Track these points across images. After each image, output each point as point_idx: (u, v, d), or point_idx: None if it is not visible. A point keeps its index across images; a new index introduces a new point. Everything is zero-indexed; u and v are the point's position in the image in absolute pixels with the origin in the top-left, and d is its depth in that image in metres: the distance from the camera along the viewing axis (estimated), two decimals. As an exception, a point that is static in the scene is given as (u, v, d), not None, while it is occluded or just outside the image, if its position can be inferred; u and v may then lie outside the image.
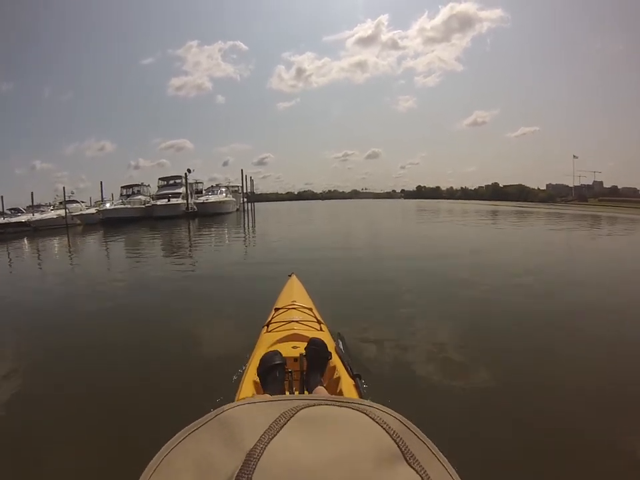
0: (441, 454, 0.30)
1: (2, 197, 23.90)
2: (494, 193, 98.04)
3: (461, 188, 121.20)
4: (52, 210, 23.96)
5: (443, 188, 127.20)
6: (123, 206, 23.63)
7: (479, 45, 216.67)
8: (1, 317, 4.54)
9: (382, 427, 0.29)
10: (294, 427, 0.28)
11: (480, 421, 2.03)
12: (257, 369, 1.47)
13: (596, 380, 2.46)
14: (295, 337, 1.81)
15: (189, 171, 26.50)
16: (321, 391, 1.30)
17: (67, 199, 24.57)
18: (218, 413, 0.32)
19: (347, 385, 1.50)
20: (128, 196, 26.41)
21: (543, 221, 19.12)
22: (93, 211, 23.86)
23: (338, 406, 0.31)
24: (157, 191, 27.47)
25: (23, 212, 24.04)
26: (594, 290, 4.82)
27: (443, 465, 0.29)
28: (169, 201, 24.24)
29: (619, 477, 1.67)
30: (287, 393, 1.44)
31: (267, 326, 2.02)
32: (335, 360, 1.61)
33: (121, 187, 28.05)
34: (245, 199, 34.48)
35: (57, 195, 25.44)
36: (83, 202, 27.20)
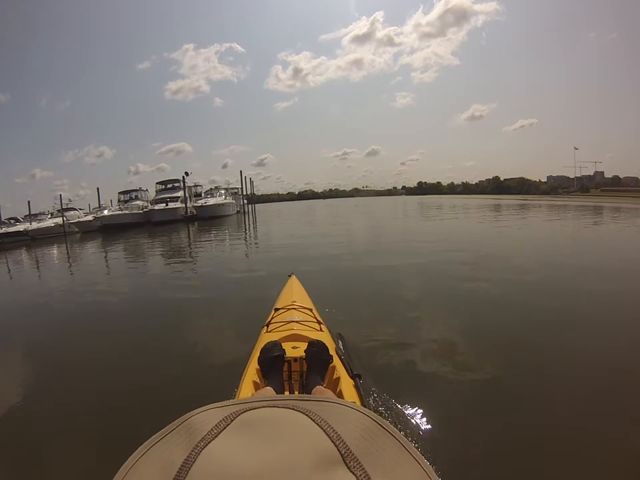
0: (417, 452, 0.29)
1: (-1, 206, 23.62)
2: (495, 186, 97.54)
3: (462, 183, 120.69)
4: (50, 218, 23.70)
5: (444, 183, 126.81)
6: (120, 212, 23.27)
7: (475, 38, 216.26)
8: (3, 325, 4.55)
9: (323, 429, 0.28)
10: (232, 432, 0.28)
11: (480, 420, 2.00)
12: (258, 358, 1.48)
13: (599, 379, 2.43)
14: (295, 337, 1.80)
15: (186, 174, 26.00)
16: (319, 390, 1.27)
17: (65, 206, 24.40)
18: (184, 419, 0.31)
19: (347, 385, 1.50)
20: (126, 202, 26.05)
21: (553, 214, 18.63)
22: (90, 218, 23.52)
23: (284, 407, 0.31)
24: (155, 196, 27.09)
25: (21, 221, 23.83)
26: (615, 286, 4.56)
27: (420, 465, 0.28)
28: (166, 205, 23.81)
29: (621, 475, 1.66)
30: (286, 383, 1.45)
31: (267, 326, 2.02)
32: (335, 360, 1.60)
33: (119, 193, 27.68)
34: (245, 201, 34.10)
35: (55, 203, 25.23)
36: (81, 209, 26.95)
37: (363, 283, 5.13)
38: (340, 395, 1.43)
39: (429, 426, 1.91)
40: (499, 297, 4.24)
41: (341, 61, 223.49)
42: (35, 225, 21.56)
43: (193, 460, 0.25)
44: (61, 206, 23.43)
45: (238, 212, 31.90)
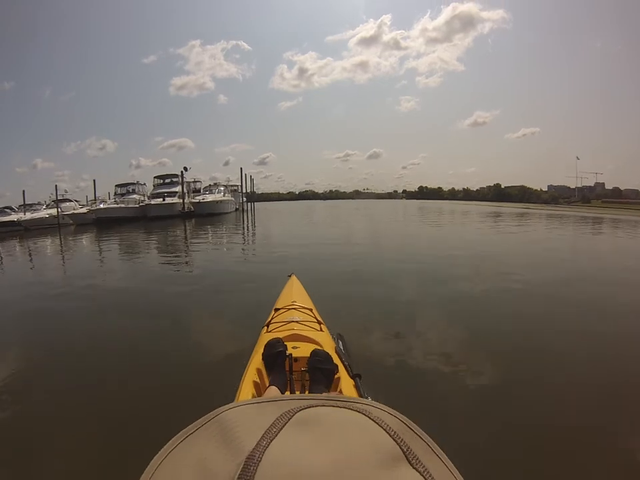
0: (444, 454, 0.30)
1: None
2: (496, 194, 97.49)
3: (463, 189, 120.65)
4: (45, 209, 23.20)
5: (445, 188, 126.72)
6: (116, 205, 22.70)
7: (481, 45, 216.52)
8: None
9: (382, 427, 0.28)
10: (293, 429, 0.28)
11: (480, 420, 2.01)
12: (262, 353, 1.51)
13: (598, 379, 2.45)
14: (295, 337, 1.80)
15: (185, 169, 25.42)
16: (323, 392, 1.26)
17: (61, 197, 23.88)
18: (215, 414, 0.31)
19: (347, 384, 1.50)
20: (122, 195, 25.48)
21: (562, 224, 18.36)
22: (84, 210, 23.01)
23: (337, 407, 0.31)
24: (153, 190, 26.51)
25: (16, 210, 23.34)
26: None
27: (446, 465, 0.29)
28: (163, 200, 23.27)
29: (620, 476, 1.65)
30: (289, 382, 1.43)
31: (267, 326, 2.01)
32: (335, 360, 1.58)
33: (115, 186, 27.03)
34: (245, 199, 33.59)
35: (52, 194, 24.74)
36: (77, 201, 26.36)
37: (363, 284, 5.06)
38: (340, 394, 1.40)
39: (428, 426, 1.60)
40: (500, 301, 4.24)
41: (347, 63, 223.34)
42: (28, 216, 21.11)
43: (260, 456, 0.25)
44: (56, 197, 22.90)
45: (237, 210, 31.32)
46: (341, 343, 1.88)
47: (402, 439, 0.27)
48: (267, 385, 1.39)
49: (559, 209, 40.04)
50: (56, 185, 22.96)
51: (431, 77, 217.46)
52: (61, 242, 13.66)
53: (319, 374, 1.44)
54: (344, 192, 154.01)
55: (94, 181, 26.64)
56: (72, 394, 2.42)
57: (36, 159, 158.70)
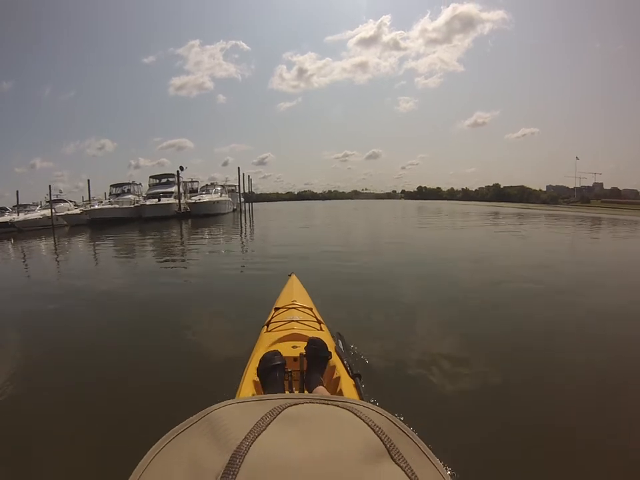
0: (430, 452, 0.30)
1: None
2: (495, 194, 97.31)
3: (462, 189, 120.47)
4: (39, 209, 22.76)
5: (444, 189, 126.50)
6: (110, 206, 22.22)
7: (481, 46, 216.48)
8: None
9: (367, 424, 0.29)
10: (279, 425, 0.28)
11: (480, 420, 2.00)
12: (257, 368, 1.45)
13: (596, 381, 2.45)
14: (295, 337, 1.80)
15: (181, 168, 24.91)
16: (320, 390, 1.28)
17: (55, 197, 23.45)
18: (206, 413, 0.31)
19: (347, 384, 1.50)
20: (117, 195, 25.02)
21: (564, 224, 17.98)
22: (77, 211, 22.57)
23: (324, 404, 0.31)
24: (148, 190, 26.05)
25: (9, 211, 22.90)
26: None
27: (432, 463, 0.29)
28: (159, 200, 22.79)
29: (620, 476, 1.65)
30: (287, 392, 1.39)
31: (267, 325, 2.01)
32: (335, 360, 1.60)
33: (110, 186, 26.48)
34: (243, 199, 33.14)
35: (47, 194, 24.29)
36: (72, 201, 25.88)
37: (363, 284, 5.03)
38: (340, 394, 1.42)
39: (428, 426, 1.85)
40: (500, 301, 4.21)
41: (346, 63, 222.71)
42: (21, 217, 20.65)
43: (244, 454, 0.25)
44: (50, 197, 22.40)
45: (234, 210, 30.83)
46: (340, 342, 1.88)
47: (386, 436, 0.28)
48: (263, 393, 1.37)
49: (560, 209, 39.76)
50: (50, 186, 22.46)
51: (431, 77, 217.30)
52: (55, 244, 13.32)
53: (314, 361, 1.45)
54: (343, 192, 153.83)
55: (88, 180, 26.12)
56: (72, 394, 2.41)
57: (35, 159, 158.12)
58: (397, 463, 0.26)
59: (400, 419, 0.29)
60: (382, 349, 2.92)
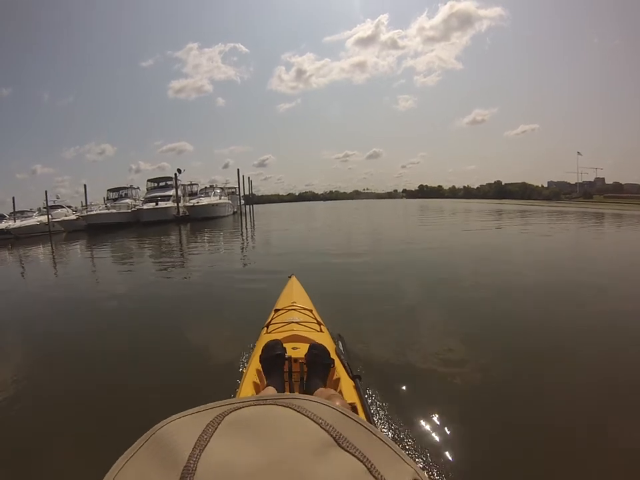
0: (384, 435, 0.30)
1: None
2: (497, 191, 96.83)
3: (464, 187, 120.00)
4: (37, 215, 22.32)
5: (445, 187, 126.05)
6: (107, 211, 21.77)
7: (479, 43, 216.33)
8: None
9: (310, 418, 0.29)
10: (223, 434, 0.28)
11: (480, 421, 1.99)
12: (260, 356, 1.48)
13: (597, 381, 2.42)
14: (295, 338, 1.77)
15: (179, 170, 24.37)
16: (322, 392, 1.27)
17: (53, 203, 23.04)
18: (152, 432, 0.30)
19: (347, 386, 1.50)
20: (115, 200, 24.57)
21: (573, 222, 17.35)
22: (73, 217, 22.14)
23: (263, 405, 0.31)
24: (146, 194, 25.55)
25: (6, 218, 22.48)
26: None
27: (388, 446, 0.29)
28: (156, 204, 22.33)
29: (618, 476, 1.65)
30: (287, 383, 1.45)
31: (267, 327, 2.00)
32: (335, 361, 1.56)
33: (108, 190, 26.00)
34: (243, 201, 32.62)
35: (52, 200, 23.85)
36: (69, 207, 25.41)
37: (363, 285, 4.99)
38: (340, 394, 1.38)
39: (428, 426, 1.89)
40: (500, 303, 4.16)
41: (345, 63, 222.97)
42: (17, 223, 20.20)
43: (194, 467, 0.24)
44: (46, 203, 21.95)
45: (234, 213, 30.31)
46: (341, 344, 1.90)
47: (331, 426, 0.28)
48: (265, 386, 1.37)
49: (566, 206, 39.17)
50: (46, 191, 22.06)
51: (429, 75, 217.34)
52: (52, 251, 12.98)
53: (315, 367, 1.43)
54: (344, 192, 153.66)
55: (84, 185, 25.64)
56: (72, 397, 2.40)
57: (35, 165, 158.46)
58: (346, 450, 0.26)
59: (384, 417, 0.29)
60: (382, 350, 2.89)
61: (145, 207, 22.32)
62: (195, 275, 6.58)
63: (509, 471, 1.66)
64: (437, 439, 1.82)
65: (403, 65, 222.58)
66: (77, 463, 1.80)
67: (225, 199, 27.86)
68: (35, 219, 21.20)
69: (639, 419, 2.01)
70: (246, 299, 4.44)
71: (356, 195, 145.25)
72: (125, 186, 26.31)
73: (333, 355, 1.57)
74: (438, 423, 1.94)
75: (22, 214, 23.24)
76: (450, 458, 1.68)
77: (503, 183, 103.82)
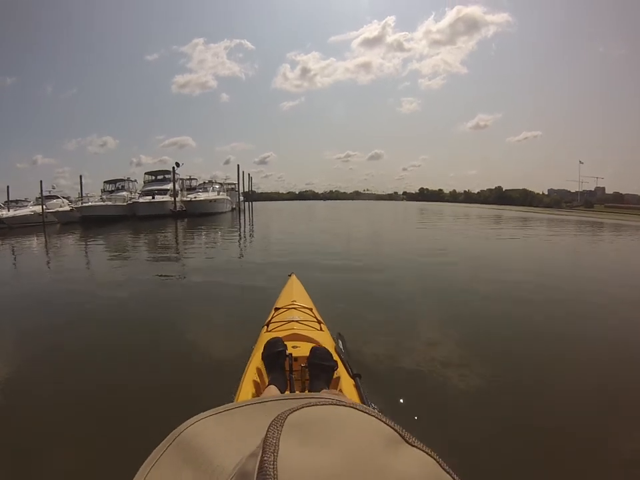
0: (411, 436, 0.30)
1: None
2: (498, 196, 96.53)
3: (464, 191, 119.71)
4: (31, 205, 21.84)
5: (446, 190, 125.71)
6: (102, 203, 21.23)
7: (484, 48, 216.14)
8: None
9: (374, 416, 0.29)
10: (290, 436, 0.26)
11: (480, 421, 2.01)
12: (262, 353, 1.50)
13: (597, 383, 2.43)
14: (295, 337, 1.78)
15: (177, 164, 23.93)
16: (325, 393, 1.22)
17: (48, 194, 22.58)
18: (174, 436, 0.29)
19: (347, 384, 1.51)
20: (111, 192, 24.05)
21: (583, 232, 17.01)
22: (67, 208, 21.58)
23: (321, 405, 0.30)
24: (143, 187, 25.01)
25: (1, 206, 21.99)
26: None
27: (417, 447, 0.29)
28: (153, 198, 21.79)
29: (619, 476, 1.66)
30: (288, 381, 1.43)
31: (267, 325, 2.02)
32: (335, 359, 1.55)
33: (104, 182, 25.39)
34: (243, 198, 32.14)
35: (49, 190, 23.40)
36: (65, 197, 24.90)
37: (363, 285, 5.01)
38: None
39: (428, 426, 1.89)
40: (501, 304, 4.19)
41: (350, 64, 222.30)
42: (11, 213, 19.74)
43: (273, 475, 0.23)
44: (41, 193, 21.45)
45: (233, 209, 29.78)
46: (341, 342, 1.93)
47: (394, 423, 0.28)
48: (267, 384, 1.36)
49: (566, 214, 38.84)
50: (41, 181, 21.44)
51: (434, 79, 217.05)
52: (46, 242, 12.63)
53: (318, 371, 1.41)
54: (344, 192, 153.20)
55: (80, 176, 25.04)
56: (71, 394, 2.37)
57: (36, 155, 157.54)
58: (414, 446, 0.27)
59: (397, 418, 0.29)
60: (382, 349, 2.90)
61: (141, 200, 21.78)
62: (192, 273, 6.44)
63: (509, 472, 1.66)
64: (437, 439, 1.76)
65: (408, 67, 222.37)
66: (76, 463, 1.78)
67: (223, 195, 27.33)
68: (29, 209, 20.73)
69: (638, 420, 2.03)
70: (245, 297, 4.42)
71: (356, 196, 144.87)
72: (122, 178, 25.75)
73: (333, 354, 1.57)
74: (438, 422, 1.95)
75: (16, 203, 22.77)
76: (450, 458, 1.41)
77: (503, 189, 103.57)
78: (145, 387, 2.41)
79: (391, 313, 3.82)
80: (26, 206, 21.80)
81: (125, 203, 22.29)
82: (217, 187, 28.22)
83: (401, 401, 2.15)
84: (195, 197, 23.35)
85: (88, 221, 19.17)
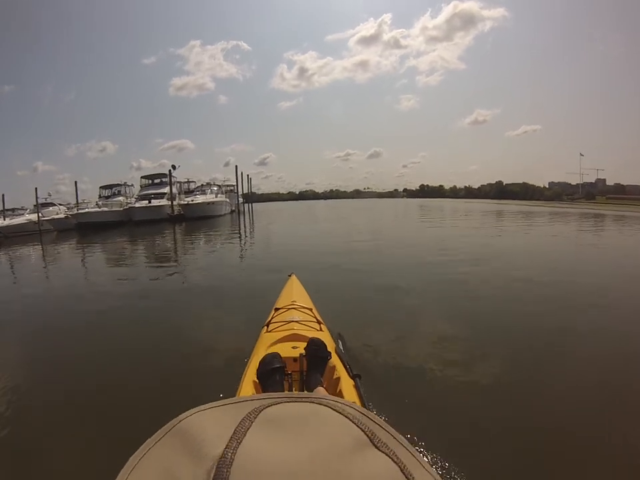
0: (405, 440, 0.30)
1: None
2: (498, 191, 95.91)
3: (465, 187, 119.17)
4: (28, 214, 21.50)
5: (446, 186, 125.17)
6: (98, 209, 20.89)
7: (482, 43, 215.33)
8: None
9: (346, 417, 0.29)
10: (260, 428, 0.28)
11: (480, 420, 1.99)
12: (257, 370, 1.45)
13: (598, 382, 2.40)
14: (295, 337, 1.80)
15: (173, 167, 23.37)
16: (320, 391, 1.29)
17: (44, 201, 22.28)
18: (177, 421, 0.30)
19: (347, 385, 1.50)
20: (107, 197, 23.68)
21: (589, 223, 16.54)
22: (62, 215, 21.26)
23: (300, 402, 0.31)
24: (140, 191, 24.60)
25: (-2, 215, 21.65)
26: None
27: (408, 450, 0.29)
28: (149, 202, 21.41)
29: (620, 476, 1.64)
30: (287, 382, 1.44)
31: (267, 326, 2.01)
32: (335, 360, 1.59)
33: (100, 187, 25.06)
34: (242, 200, 31.72)
35: (45, 197, 23.11)
36: (62, 204, 24.55)
37: (363, 284, 5.02)
38: (340, 394, 1.43)
39: (428, 426, 1.87)
40: (501, 303, 4.16)
41: (347, 62, 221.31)
42: (6, 222, 19.40)
43: (231, 460, 0.24)
44: (36, 201, 21.14)
45: (232, 211, 29.34)
46: (340, 342, 1.89)
47: (366, 426, 0.28)
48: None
49: (569, 207, 38.39)
50: (36, 189, 21.14)
51: (432, 75, 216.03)
52: (42, 251, 12.42)
53: (314, 361, 1.46)
54: (344, 191, 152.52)
55: (75, 182, 24.73)
56: (71, 395, 2.41)
57: (36, 162, 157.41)
58: (381, 450, 0.26)
59: (384, 417, 0.30)
60: (382, 350, 2.90)
61: (137, 205, 21.42)
62: (190, 277, 6.40)
63: (510, 472, 1.66)
64: (438, 439, 1.79)
65: (405, 64, 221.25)
66: (76, 463, 1.79)
67: (221, 197, 26.88)
68: (25, 217, 20.39)
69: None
70: (245, 297, 4.46)
71: (357, 194, 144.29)
72: (119, 183, 25.36)
73: (333, 353, 1.59)
74: (438, 422, 1.94)
75: (13, 212, 22.44)
76: (450, 458, 1.65)
77: (504, 183, 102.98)
78: (146, 387, 2.45)
79: (391, 312, 3.81)
80: (22, 214, 21.45)
81: (122, 208, 21.95)
82: (215, 189, 27.76)
83: (401, 401, 2.13)
84: (193, 200, 22.97)
85: (84, 228, 18.85)
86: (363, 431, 0.27)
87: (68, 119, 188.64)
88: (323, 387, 1.35)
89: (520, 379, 2.46)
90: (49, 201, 23.48)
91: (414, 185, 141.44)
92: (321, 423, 0.28)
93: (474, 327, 3.36)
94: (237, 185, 28.74)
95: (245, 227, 18.42)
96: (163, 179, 24.65)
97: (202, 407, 0.31)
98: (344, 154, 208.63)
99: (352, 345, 2.41)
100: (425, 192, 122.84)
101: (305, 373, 1.47)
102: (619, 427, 1.93)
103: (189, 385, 2.39)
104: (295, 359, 1.55)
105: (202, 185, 28.98)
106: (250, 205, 32.99)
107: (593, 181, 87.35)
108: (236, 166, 27.75)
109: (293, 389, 1.45)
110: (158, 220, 20.41)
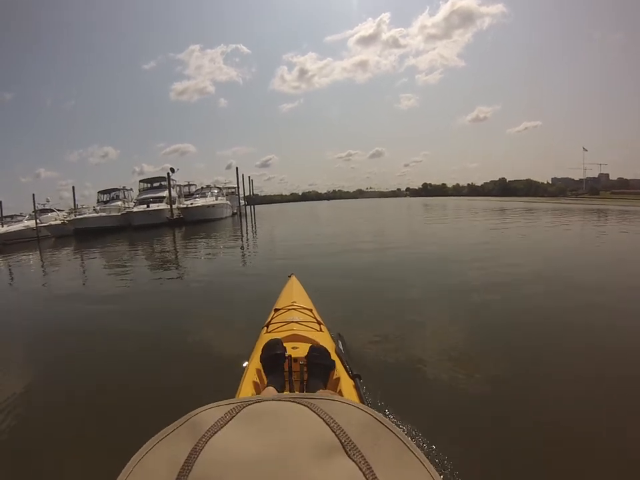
0: (417, 449, 0.29)
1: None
2: (502, 188, 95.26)
3: (468, 184, 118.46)
4: (26, 220, 21.17)
5: (449, 185, 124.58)
6: (96, 215, 20.47)
7: (481, 40, 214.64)
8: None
9: (322, 419, 0.29)
10: (238, 422, 0.29)
11: (480, 421, 1.99)
12: (260, 355, 1.50)
13: (599, 385, 2.35)
14: (295, 338, 1.78)
15: (172, 170, 22.88)
16: (322, 392, 1.22)
17: (43, 207, 22.07)
18: (189, 417, 0.32)
19: (347, 385, 1.51)
20: (106, 202, 23.28)
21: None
22: (58, 222, 20.86)
23: (285, 401, 0.32)
24: (138, 195, 24.14)
25: (-2, 222, 21.36)
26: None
27: (418, 458, 0.28)
28: (148, 206, 20.94)
29: (619, 476, 1.63)
30: (287, 382, 1.44)
31: (267, 326, 2.02)
32: (335, 361, 1.56)
33: (98, 192, 24.54)
34: (244, 202, 31.14)
35: (44, 203, 22.85)
36: (60, 210, 24.20)
37: (363, 284, 5.03)
38: (340, 395, 1.39)
39: (428, 426, 1.85)
40: (502, 303, 4.05)
41: (347, 63, 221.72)
42: (4, 229, 19.09)
43: (200, 450, 0.26)
44: (34, 207, 20.84)
45: (234, 214, 28.80)
46: (340, 343, 1.89)
47: (343, 430, 0.28)
48: (266, 385, 1.36)
49: (574, 202, 37.68)
50: (33, 195, 20.85)
51: (431, 73, 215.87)
52: (41, 257, 12.38)
53: (316, 369, 1.42)
54: (347, 191, 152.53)
55: (73, 187, 24.36)
56: (71, 395, 2.46)
57: (39, 168, 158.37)
58: (350, 457, 0.26)
59: (397, 419, 0.30)
60: (383, 350, 2.90)
61: (135, 209, 20.95)
62: (188, 279, 6.43)
63: (509, 473, 1.64)
64: (438, 439, 1.74)
65: (404, 63, 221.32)
66: (77, 463, 1.81)
67: (222, 200, 26.28)
68: (23, 224, 20.12)
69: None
70: (245, 298, 4.50)
71: (359, 194, 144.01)
72: (117, 187, 24.90)
73: (333, 355, 1.57)
74: (438, 422, 1.92)
75: (12, 218, 22.18)
76: (451, 458, 1.63)
77: (507, 180, 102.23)
78: (146, 387, 2.48)
79: (391, 312, 3.78)
80: (20, 221, 21.18)
81: (120, 213, 21.56)
82: (216, 191, 27.14)
83: (401, 400, 2.13)
84: (192, 204, 22.43)
85: (82, 234, 18.47)
86: (336, 435, 0.27)
87: (70, 125, 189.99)
88: (324, 389, 1.35)
89: (523, 381, 2.43)
90: (47, 207, 23.22)
91: (416, 184, 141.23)
92: (295, 423, 0.29)
93: (475, 328, 3.34)
94: (238, 187, 28.16)
95: (245, 229, 18.02)
96: (162, 183, 24.14)
97: (214, 404, 0.33)
98: (346, 154, 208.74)
99: (352, 345, 2.41)
100: (428, 190, 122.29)
101: (306, 381, 1.42)
102: (617, 423, 1.94)
103: (189, 385, 2.42)
104: (295, 360, 1.53)
105: (202, 187, 28.36)
106: (252, 207, 32.46)
107: (596, 176, 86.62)
108: (237, 168, 27.21)
109: (293, 377, 1.44)
110: (157, 224, 19.97)
